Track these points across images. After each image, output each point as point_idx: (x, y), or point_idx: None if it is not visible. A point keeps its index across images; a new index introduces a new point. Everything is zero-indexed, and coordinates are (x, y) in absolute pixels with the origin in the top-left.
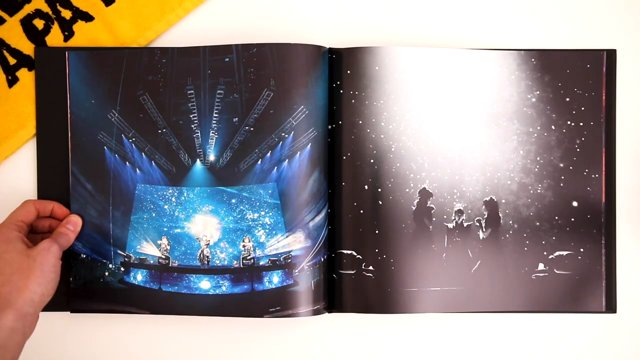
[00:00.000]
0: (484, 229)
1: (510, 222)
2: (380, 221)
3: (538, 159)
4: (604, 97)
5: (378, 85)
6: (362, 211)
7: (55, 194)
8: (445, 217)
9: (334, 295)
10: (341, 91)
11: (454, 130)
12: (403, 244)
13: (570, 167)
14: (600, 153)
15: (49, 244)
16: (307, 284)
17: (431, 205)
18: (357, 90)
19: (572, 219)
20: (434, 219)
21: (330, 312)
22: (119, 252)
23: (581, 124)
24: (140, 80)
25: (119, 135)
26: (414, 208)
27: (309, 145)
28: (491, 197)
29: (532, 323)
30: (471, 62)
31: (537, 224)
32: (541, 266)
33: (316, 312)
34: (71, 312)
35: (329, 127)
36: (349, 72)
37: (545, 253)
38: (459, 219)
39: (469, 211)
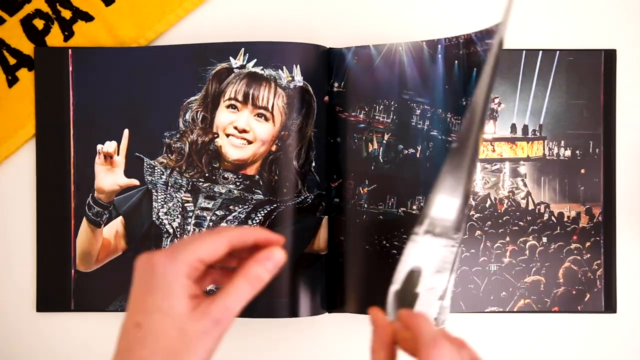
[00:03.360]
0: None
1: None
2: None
3: None
4: (602, 97)
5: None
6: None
7: (55, 194)
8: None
9: (334, 296)
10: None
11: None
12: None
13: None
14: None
15: (215, 323)
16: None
17: None
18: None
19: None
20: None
21: (330, 312)
22: None
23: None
24: None
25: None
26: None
27: None
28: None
29: (532, 323)
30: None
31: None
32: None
33: (315, 312)
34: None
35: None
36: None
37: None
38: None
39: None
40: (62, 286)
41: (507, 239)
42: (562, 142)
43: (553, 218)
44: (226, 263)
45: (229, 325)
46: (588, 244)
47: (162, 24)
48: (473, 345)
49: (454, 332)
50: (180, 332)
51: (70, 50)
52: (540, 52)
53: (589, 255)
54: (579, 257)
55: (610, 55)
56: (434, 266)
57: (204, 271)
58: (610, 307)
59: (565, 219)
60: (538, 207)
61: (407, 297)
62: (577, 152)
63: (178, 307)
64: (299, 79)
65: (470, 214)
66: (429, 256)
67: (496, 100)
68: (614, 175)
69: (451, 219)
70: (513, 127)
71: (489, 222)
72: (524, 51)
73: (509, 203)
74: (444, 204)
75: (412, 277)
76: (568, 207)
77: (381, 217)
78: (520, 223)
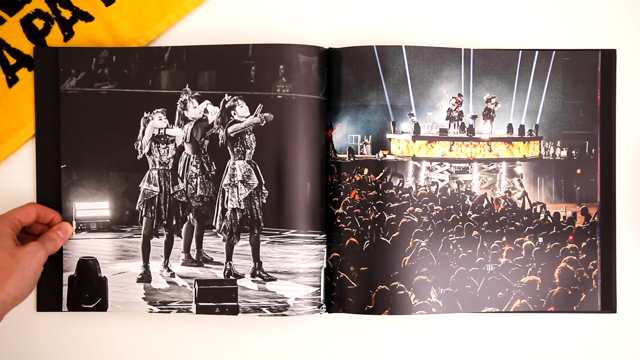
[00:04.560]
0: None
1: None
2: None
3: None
4: (598, 97)
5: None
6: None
7: (54, 194)
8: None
9: (333, 295)
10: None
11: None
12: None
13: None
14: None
15: (37, 247)
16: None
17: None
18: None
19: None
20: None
21: (330, 312)
22: None
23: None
24: None
25: None
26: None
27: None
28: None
29: (532, 323)
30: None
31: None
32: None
33: (312, 312)
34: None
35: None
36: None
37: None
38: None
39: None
40: (62, 286)
41: (504, 239)
42: (558, 142)
43: (549, 218)
44: (34, 231)
45: (45, 253)
46: (584, 244)
47: (162, 24)
48: (473, 345)
49: (455, 333)
50: (11, 255)
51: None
52: (537, 52)
53: (584, 255)
54: (574, 257)
55: (609, 55)
56: None
57: (20, 229)
58: (609, 307)
59: (561, 219)
60: (534, 207)
61: None
62: (573, 152)
63: (7, 242)
64: None
65: (467, 214)
66: None
67: (493, 100)
68: (614, 175)
69: None
70: (509, 127)
71: (486, 223)
72: (521, 51)
73: (506, 203)
74: None
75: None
76: (564, 207)
77: None
78: (516, 223)
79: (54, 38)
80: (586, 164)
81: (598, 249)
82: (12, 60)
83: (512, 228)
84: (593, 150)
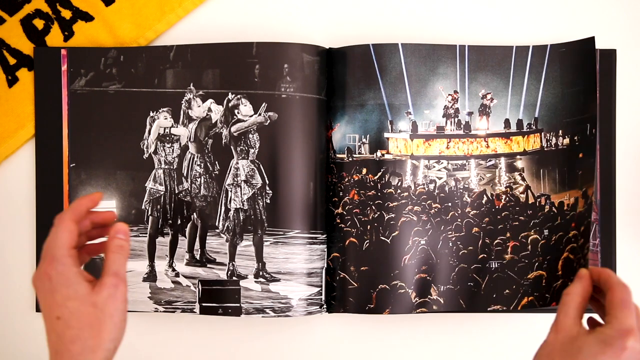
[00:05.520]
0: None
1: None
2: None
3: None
4: (597, 96)
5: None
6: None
7: (54, 194)
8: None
9: (334, 295)
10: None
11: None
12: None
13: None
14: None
15: (114, 287)
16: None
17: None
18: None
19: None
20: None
21: (330, 312)
22: None
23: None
24: None
25: None
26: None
27: None
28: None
29: (532, 323)
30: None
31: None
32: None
33: (314, 312)
34: None
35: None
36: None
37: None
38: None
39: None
40: None
41: (508, 234)
42: (560, 131)
43: (554, 209)
44: (91, 235)
45: (124, 286)
46: (582, 227)
47: (162, 24)
48: (473, 345)
49: (455, 333)
50: (92, 305)
51: (63, 51)
52: (531, 46)
53: (582, 240)
54: (575, 245)
55: (609, 55)
56: None
57: (78, 252)
58: None
59: (565, 208)
60: (538, 199)
61: None
62: (576, 137)
63: (81, 289)
64: None
65: (466, 210)
66: None
67: (488, 97)
68: (614, 175)
69: None
70: (506, 122)
71: (487, 219)
72: (514, 47)
73: (507, 198)
74: None
75: None
76: (568, 194)
77: None
78: (520, 218)
79: (54, 38)
80: (588, 146)
81: (598, 248)
82: (12, 60)
83: (516, 223)
84: (594, 130)
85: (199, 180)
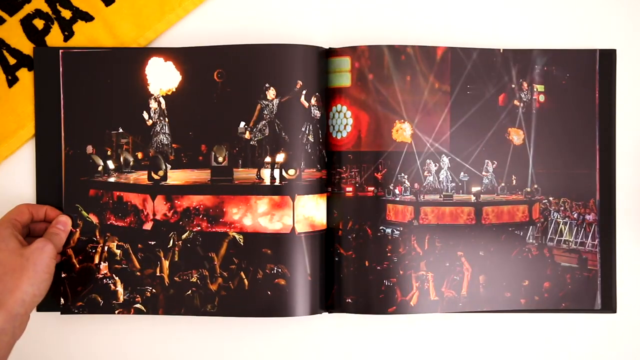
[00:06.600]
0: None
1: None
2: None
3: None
4: (597, 96)
5: None
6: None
7: (54, 194)
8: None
9: (334, 295)
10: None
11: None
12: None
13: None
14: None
15: (43, 243)
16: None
17: None
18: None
19: (567, 218)
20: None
21: (330, 312)
22: None
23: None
24: None
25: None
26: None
27: None
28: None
29: (532, 323)
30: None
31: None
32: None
33: (314, 312)
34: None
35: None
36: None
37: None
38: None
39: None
40: (61, 286)
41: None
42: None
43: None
44: (39, 232)
45: (53, 247)
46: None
47: (162, 24)
48: (473, 345)
49: (455, 333)
50: (20, 255)
51: (64, 50)
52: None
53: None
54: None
55: (608, 55)
56: None
57: (23, 229)
58: (609, 306)
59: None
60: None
61: None
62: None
63: (12, 243)
64: None
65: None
66: None
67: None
68: (613, 174)
69: None
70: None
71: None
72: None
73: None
74: None
75: None
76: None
77: None
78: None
79: (54, 38)
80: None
81: (598, 248)
82: (12, 60)
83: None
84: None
85: None
